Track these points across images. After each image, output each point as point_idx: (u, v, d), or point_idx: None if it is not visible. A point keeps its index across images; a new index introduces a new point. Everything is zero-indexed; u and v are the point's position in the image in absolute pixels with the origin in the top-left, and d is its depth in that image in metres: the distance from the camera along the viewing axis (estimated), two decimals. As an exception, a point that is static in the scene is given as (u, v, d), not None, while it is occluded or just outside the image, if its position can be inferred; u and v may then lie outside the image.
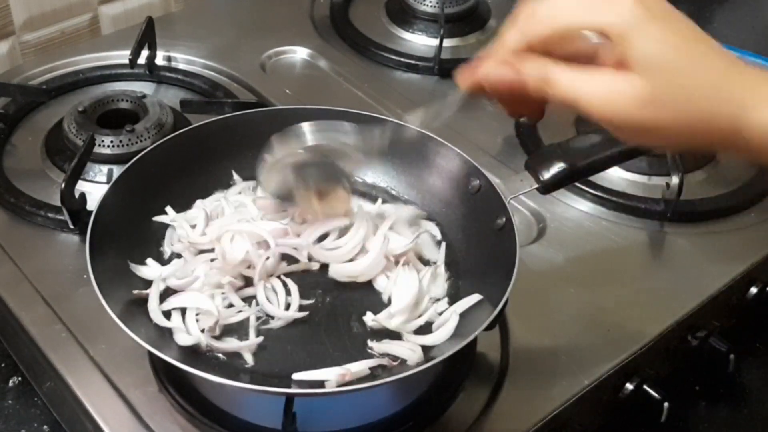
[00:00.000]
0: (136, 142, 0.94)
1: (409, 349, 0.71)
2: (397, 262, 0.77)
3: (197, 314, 0.72)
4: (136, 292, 0.72)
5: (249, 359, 0.71)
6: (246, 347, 0.71)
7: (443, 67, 1.14)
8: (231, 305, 0.74)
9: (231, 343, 0.71)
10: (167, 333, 0.72)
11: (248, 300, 0.75)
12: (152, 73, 1.10)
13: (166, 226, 0.81)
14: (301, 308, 0.75)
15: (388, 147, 0.78)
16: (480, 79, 0.58)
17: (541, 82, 0.55)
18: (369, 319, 0.73)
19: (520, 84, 0.56)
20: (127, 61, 1.06)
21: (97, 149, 0.92)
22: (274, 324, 0.74)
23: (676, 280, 0.87)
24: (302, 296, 0.76)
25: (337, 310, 0.75)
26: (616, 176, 0.98)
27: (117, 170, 0.90)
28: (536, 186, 0.76)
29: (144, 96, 0.99)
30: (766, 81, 0.52)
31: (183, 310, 0.73)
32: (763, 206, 0.96)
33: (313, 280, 0.77)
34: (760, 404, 0.89)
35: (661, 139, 0.55)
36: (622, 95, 0.53)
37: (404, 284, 0.75)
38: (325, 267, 0.78)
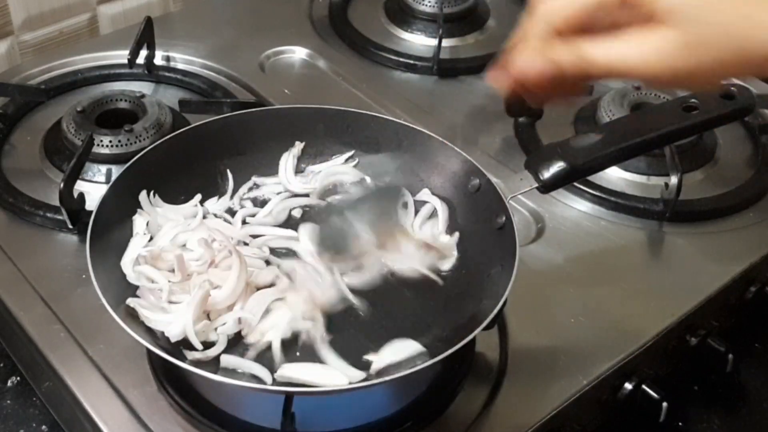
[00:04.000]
0: (135, 142, 0.94)
1: None
2: None
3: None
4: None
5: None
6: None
7: (442, 67, 1.14)
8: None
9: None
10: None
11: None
12: (151, 72, 1.09)
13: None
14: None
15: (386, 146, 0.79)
16: (516, 75, 0.58)
17: (578, 63, 0.56)
18: None
19: (558, 71, 0.56)
20: (125, 61, 1.06)
21: (95, 149, 0.92)
22: None
23: (675, 280, 0.87)
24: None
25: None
26: (615, 176, 0.98)
27: (116, 170, 0.90)
28: (536, 185, 0.75)
29: (143, 96, 0.99)
30: None
31: None
32: (761, 206, 0.96)
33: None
34: (759, 404, 0.89)
35: (703, 80, 0.55)
36: (656, 49, 0.54)
37: None
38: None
